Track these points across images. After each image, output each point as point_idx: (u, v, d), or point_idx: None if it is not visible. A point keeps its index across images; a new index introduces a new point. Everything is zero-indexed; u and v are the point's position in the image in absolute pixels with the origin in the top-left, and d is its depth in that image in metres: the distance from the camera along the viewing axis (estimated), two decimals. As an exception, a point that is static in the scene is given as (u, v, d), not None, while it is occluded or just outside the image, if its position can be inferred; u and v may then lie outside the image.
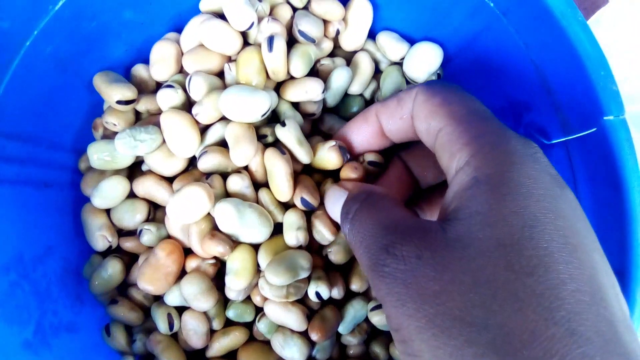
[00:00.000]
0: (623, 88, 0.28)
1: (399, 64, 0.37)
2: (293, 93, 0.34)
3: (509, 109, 0.34)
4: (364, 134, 0.31)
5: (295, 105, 0.35)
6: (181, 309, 0.33)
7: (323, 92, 0.34)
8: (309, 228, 0.32)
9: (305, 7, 0.36)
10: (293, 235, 0.32)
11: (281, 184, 0.31)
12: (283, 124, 0.33)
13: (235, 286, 0.31)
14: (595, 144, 0.28)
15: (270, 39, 0.32)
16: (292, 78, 0.34)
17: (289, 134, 0.32)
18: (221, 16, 0.34)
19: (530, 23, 0.30)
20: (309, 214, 0.32)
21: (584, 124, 0.29)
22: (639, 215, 0.27)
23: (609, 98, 0.27)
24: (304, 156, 0.32)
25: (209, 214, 0.32)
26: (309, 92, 0.34)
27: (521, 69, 0.32)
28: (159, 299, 0.34)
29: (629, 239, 0.27)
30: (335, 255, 0.33)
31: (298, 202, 0.32)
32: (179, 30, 0.36)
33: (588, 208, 0.30)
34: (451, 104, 0.23)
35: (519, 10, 0.30)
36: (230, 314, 0.33)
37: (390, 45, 0.37)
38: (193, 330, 0.32)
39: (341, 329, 0.34)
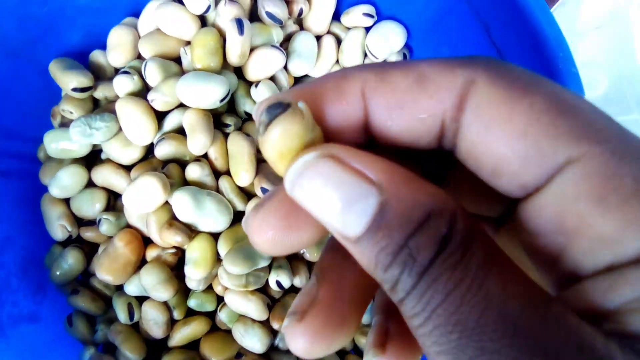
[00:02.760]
0: (584, 71, 0.28)
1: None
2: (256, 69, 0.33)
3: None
4: (335, 117, 0.14)
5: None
6: (142, 299, 0.33)
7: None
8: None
9: (266, -10, 0.35)
10: None
11: (243, 167, 0.31)
12: (256, 85, 0.32)
13: (194, 276, 0.31)
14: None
15: (239, 22, 0.31)
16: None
17: (262, 91, 0.32)
18: (179, 0, 0.33)
19: (490, 6, 0.29)
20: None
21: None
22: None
23: (568, 80, 0.27)
24: None
25: (168, 203, 0.31)
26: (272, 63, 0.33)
27: (483, 52, 0.31)
28: (120, 289, 0.34)
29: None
30: (311, 255, 0.32)
31: (258, 191, 0.32)
32: (136, 14, 0.35)
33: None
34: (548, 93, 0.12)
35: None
36: (192, 303, 0.33)
37: (355, 23, 0.36)
38: (153, 320, 0.32)
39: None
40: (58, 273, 0.34)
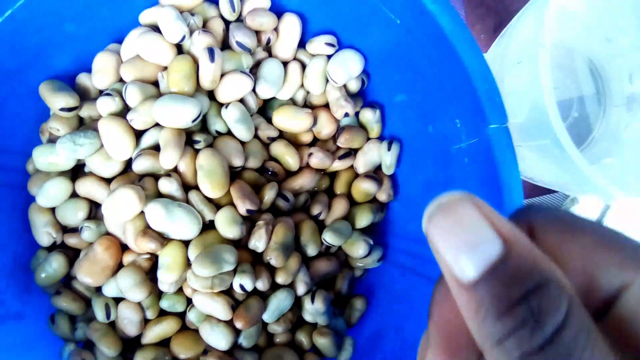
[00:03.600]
0: (509, 100, 0.32)
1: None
2: (226, 92, 0.37)
3: (421, 118, 0.37)
4: None
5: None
6: (119, 300, 0.36)
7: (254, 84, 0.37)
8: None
9: (237, 19, 0.39)
10: (236, 228, 0.35)
11: (215, 180, 0.35)
12: (226, 106, 0.36)
13: (166, 279, 0.34)
14: (484, 149, 0.31)
15: (211, 51, 0.35)
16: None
17: (232, 112, 0.36)
18: (157, 29, 0.37)
19: (428, 40, 0.33)
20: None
21: (475, 132, 0.32)
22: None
23: (493, 109, 0.30)
24: (245, 133, 0.36)
25: (143, 212, 0.35)
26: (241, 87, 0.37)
27: (428, 82, 0.35)
28: (98, 290, 0.37)
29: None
30: (277, 261, 0.36)
31: (243, 212, 0.35)
32: (119, 41, 0.38)
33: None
34: None
35: (419, 29, 0.33)
36: (164, 304, 0.36)
37: (318, 51, 0.40)
38: (128, 319, 0.35)
39: (266, 317, 0.37)
40: (43, 276, 0.37)
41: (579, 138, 0.44)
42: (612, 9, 0.37)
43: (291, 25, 0.39)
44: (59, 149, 0.35)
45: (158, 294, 0.37)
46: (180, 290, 0.36)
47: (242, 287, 0.35)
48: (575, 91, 0.45)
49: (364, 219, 0.40)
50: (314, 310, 0.37)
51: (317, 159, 0.39)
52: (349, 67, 0.39)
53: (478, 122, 0.31)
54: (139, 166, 0.35)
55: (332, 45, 0.39)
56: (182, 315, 0.37)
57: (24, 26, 0.34)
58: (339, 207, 0.40)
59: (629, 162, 0.39)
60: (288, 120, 0.38)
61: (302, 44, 0.40)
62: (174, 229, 0.34)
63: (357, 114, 0.41)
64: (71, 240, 0.38)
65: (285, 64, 0.40)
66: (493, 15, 0.48)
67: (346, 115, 0.39)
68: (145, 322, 0.36)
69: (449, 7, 0.30)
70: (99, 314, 0.36)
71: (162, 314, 0.37)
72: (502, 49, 0.34)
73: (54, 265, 0.37)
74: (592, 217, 0.42)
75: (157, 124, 0.36)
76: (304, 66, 0.41)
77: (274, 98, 0.40)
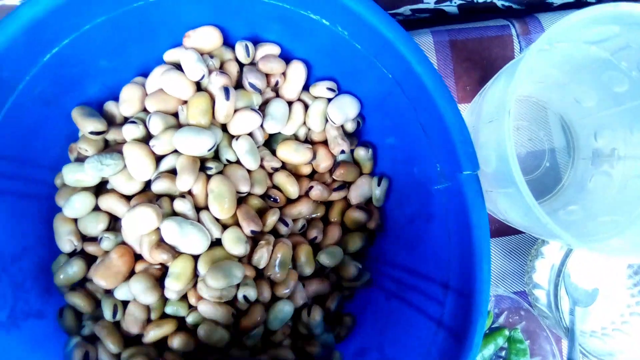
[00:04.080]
0: (481, 152, 0.37)
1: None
2: (237, 126, 0.42)
3: (408, 161, 0.42)
4: None
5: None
6: (125, 303, 0.41)
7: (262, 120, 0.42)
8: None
9: (250, 63, 0.44)
10: (241, 246, 0.40)
11: (224, 202, 0.39)
12: (237, 139, 0.41)
13: (173, 288, 0.39)
14: (457, 192, 0.36)
15: (227, 90, 0.40)
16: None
17: (242, 144, 0.41)
18: (180, 66, 0.42)
19: (415, 94, 0.38)
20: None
21: (451, 176, 0.37)
22: (484, 248, 0.35)
23: (466, 157, 0.35)
24: (252, 163, 0.41)
25: (158, 228, 0.39)
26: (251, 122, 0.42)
27: (414, 128, 0.40)
28: (108, 293, 0.42)
29: (475, 270, 0.35)
30: (277, 276, 0.41)
31: (248, 233, 0.40)
32: (145, 74, 0.44)
33: (454, 241, 0.38)
34: None
35: (407, 84, 0.38)
36: (169, 310, 0.41)
37: (320, 94, 0.45)
38: (133, 317, 0.40)
39: (270, 325, 0.41)
40: (62, 277, 0.41)
41: (549, 186, 0.49)
42: (578, 74, 0.43)
43: (297, 70, 0.44)
44: (87, 167, 0.40)
45: (163, 300, 0.41)
46: (183, 298, 0.41)
47: (245, 297, 0.40)
48: (548, 143, 0.50)
49: (355, 244, 0.45)
50: (310, 321, 0.42)
51: (317, 191, 0.44)
52: (346, 110, 0.44)
53: (454, 168, 0.36)
54: (158, 187, 0.40)
55: (332, 90, 0.44)
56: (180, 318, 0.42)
57: (66, 61, 0.39)
58: (333, 233, 0.45)
59: (590, 209, 0.43)
60: (290, 153, 0.43)
61: (306, 87, 0.46)
62: (185, 243, 0.39)
63: (352, 151, 0.46)
64: (90, 248, 0.42)
65: (290, 103, 0.45)
66: (478, 70, 0.53)
67: (342, 152, 0.44)
68: (148, 322, 0.41)
69: (432, 70, 0.36)
70: (107, 312, 0.40)
71: (162, 316, 0.41)
72: (479, 107, 0.39)
73: (74, 269, 0.41)
74: (559, 256, 0.47)
75: (174, 151, 0.41)
76: (306, 106, 0.46)
77: (278, 133, 0.45)
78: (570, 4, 0.59)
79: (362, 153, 0.45)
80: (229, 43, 0.44)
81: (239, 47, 0.43)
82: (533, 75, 0.44)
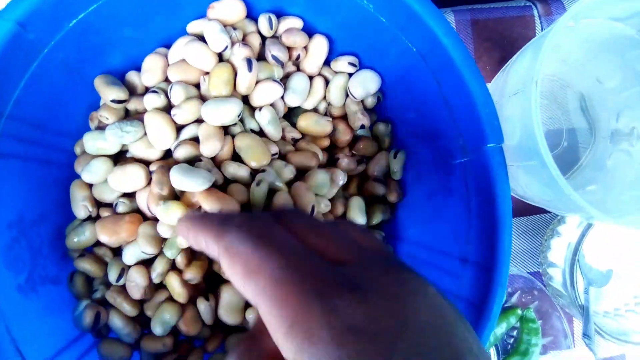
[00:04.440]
0: (506, 125, 0.36)
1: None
2: (259, 97, 0.42)
3: (428, 136, 0.42)
4: None
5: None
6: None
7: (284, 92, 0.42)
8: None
9: (273, 36, 0.44)
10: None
11: (259, 152, 0.40)
12: (260, 109, 0.41)
13: (166, 220, 0.38)
14: (481, 165, 0.36)
15: (249, 62, 0.40)
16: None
17: (265, 114, 0.41)
18: (202, 38, 0.42)
19: (440, 67, 0.38)
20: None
21: (475, 149, 0.37)
22: (507, 219, 0.35)
23: (491, 130, 0.35)
24: (274, 132, 0.41)
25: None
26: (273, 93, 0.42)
27: (436, 103, 0.40)
28: (117, 257, 0.42)
29: (498, 242, 0.35)
30: None
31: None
32: (167, 46, 0.44)
33: (474, 214, 0.38)
34: None
35: (433, 57, 0.38)
36: (167, 253, 0.39)
37: (341, 69, 0.45)
38: (135, 283, 0.40)
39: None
40: (75, 240, 0.41)
41: (567, 165, 0.49)
42: (602, 53, 0.43)
43: (319, 45, 0.44)
44: (108, 134, 0.40)
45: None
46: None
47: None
48: (566, 123, 0.50)
49: (376, 217, 0.45)
50: None
51: (345, 163, 0.44)
52: (367, 85, 0.44)
53: (478, 141, 0.36)
54: (180, 153, 0.40)
55: (353, 65, 0.44)
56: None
57: (90, 28, 0.39)
58: (356, 202, 0.44)
59: (610, 187, 0.44)
60: (311, 125, 0.43)
61: (327, 62, 0.46)
62: (188, 182, 0.37)
63: (371, 126, 0.46)
64: (105, 214, 0.42)
65: (311, 78, 0.45)
66: (499, 49, 0.53)
67: (362, 127, 0.44)
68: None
69: (460, 42, 0.36)
70: (113, 275, 0.40)
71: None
72: (503, 81, 0.39)
73: (87, 233, 0.41)
74: (575, 235, 0.47)
75: (196, 121, 0.41)
76: (327, 81, 0.46)
77: (298, 107, 0.45)
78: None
79: (381, 128, 0.45)
80: (252, 16, 0.44)
81: (262, 20, 0.43)
82: (556, 53, 0.44)
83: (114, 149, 0.42)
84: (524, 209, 0.54)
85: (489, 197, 0.36)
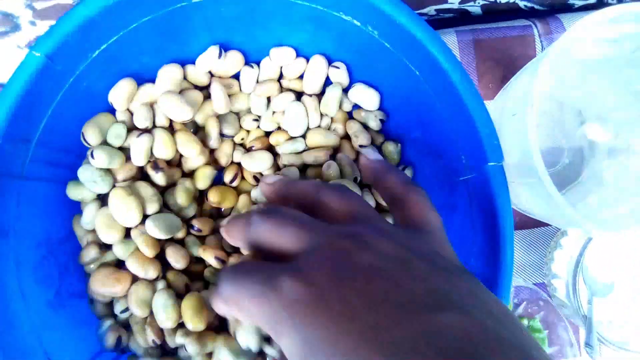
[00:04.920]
0: (506, 144, 0.38)
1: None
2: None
3: (433, 154, 0.44)
4: None
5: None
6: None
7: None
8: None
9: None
10: None
11: None
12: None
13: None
14: (482, 182, 0.38)
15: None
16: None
17: None
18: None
19: (441, 90, 0.40)
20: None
21: (476, 167, 0.39)
22: (508, 233, 0.37)
23: (491, 149, 0.37)
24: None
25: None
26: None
27: (439, 123, 0.42)
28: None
29: (499, 256, 0.37)
30: None
31: None
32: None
33: (478, 229, 0.40)
34: None
35: (434, 80, 0.40)
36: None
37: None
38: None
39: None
40: (92, 266, 0.43)
41: (567, 181, 0.51)
42: (597, 72, 0.44)
43: (319, 64, 0.46)
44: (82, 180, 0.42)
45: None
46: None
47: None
48: (566, 141, 0.51)
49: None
50: None
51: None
52: (362, 93, 0.46)
53: (479, 160, 0.38)
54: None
55: (336, 67, 0.47)
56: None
57: (112, 57, 0.41)
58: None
59: (607, 199, 0.45)
60: (319, 138, 0.46)
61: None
62: None
63: (381, 146, 0.48)
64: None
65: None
66: (501, 68, 0.55)
67: (362, 146, 0.46)
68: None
69: (459, 66, 0.38)
70: (118, 308, 0.42)
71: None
72: (502, 102, 0.41)
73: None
74: (577, 247, 0.49)
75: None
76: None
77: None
78: (592, 5, 0.60)
79: (391, 148, 0.47)
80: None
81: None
82: (553, 73, 0.45)
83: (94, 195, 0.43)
84: (529, 222, 0.56)
85: (491, 213, 0.38)
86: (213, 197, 0.43)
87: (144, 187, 0.42)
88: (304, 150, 0.46)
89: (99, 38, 0.39)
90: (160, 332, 0.41)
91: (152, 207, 0.41)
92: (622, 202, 0.43)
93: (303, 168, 0.46)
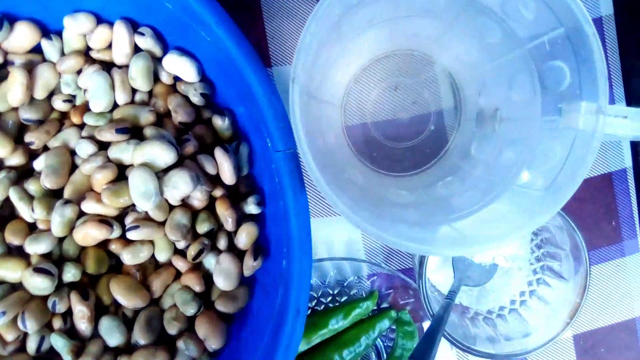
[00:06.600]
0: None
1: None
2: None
3: (256, 131, 0.38)
4: None
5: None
6: None
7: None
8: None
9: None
10: None
11: None
12: None
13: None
14: (278, 170, 0.32)
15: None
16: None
17: None
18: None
19: (230, 62, 0.33)
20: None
21: (273, 154, 0.33)
22: (304, 230, 0.31)
23: (278, 134, 0.31)
24: None
25: None
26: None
27: (251, 101, 0.35)
28: None
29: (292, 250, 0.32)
30: None
31: None
32: None
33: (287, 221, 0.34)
34: None
35: (225, 51, 0.33)
36: None
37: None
38: None
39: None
40: None
41: (434, 150, 0.44)
42: (455, 22, 0.36)
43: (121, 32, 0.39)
44: None
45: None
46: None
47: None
48: (434, 104, 0.44)
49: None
50: None
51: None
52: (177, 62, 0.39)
53: (273, 146, 0.32)
54: None
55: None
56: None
57: None
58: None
59: (464, 181, 0.38)
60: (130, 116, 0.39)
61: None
62: None
63: (210, 121, 0.42)
64: None
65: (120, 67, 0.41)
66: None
67: (180, 123, 0.40)
68: None
69: (234, 32, 0.31)
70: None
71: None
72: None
73: None
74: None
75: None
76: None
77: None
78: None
79: (218, 122, 0.41)
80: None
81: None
82: (396, 26, 0.38)
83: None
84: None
85: (286, 202, 0.32)
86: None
87: None
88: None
89: None
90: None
91: None
92: (473, 185, 0.36)
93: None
